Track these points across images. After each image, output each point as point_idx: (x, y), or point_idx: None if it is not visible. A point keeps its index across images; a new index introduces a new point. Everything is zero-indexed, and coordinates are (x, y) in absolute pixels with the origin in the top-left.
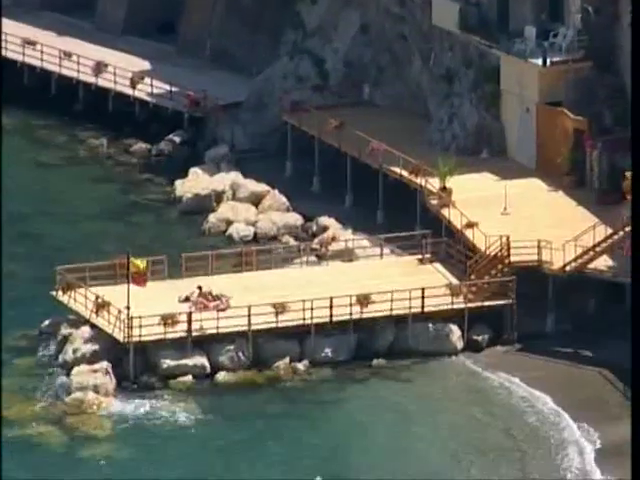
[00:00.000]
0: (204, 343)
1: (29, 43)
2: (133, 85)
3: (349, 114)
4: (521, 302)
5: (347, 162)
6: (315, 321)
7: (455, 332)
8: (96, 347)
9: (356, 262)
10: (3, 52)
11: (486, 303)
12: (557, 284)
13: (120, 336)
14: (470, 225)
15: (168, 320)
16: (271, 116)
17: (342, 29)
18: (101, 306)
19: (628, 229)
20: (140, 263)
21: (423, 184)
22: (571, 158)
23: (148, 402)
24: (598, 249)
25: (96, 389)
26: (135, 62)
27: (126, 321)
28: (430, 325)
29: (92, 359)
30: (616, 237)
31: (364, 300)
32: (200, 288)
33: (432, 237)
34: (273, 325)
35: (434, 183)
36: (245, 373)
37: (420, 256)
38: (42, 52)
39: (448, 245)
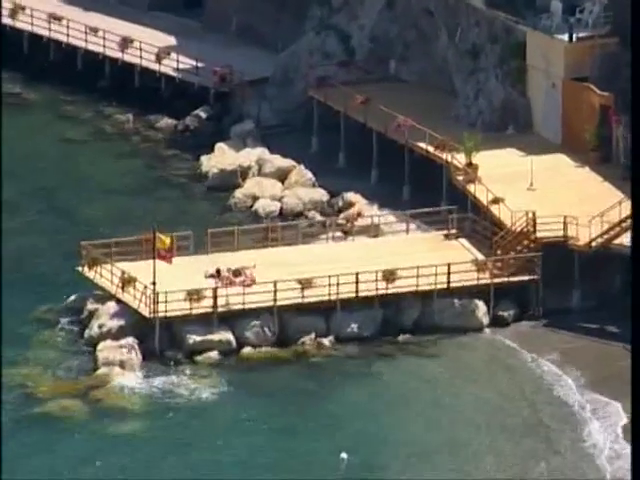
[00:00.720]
0: (230, 319)
1: (55, 18)
2: (159, 60)
3: (375, 90)
4: (547, 278)
5: (373, 138)
6: (341, 297)
7: (481, 308)
8: (122, 323)
9: (382, 238)
10: (29, 27)
11: (512, 279)
12: (583, 260)
13: (146, 312)
14: (496, 201)
15: (194, 295)
16: (297, 92)
17: (368, 5)
18: (127, 281)
19: None
20: (165, 239)
21: (449, 160)
22: (597, 134)
23: (174, 377)
24: (624, 225)
25: (122, 364)
26: (161, 37)
27: (152, 297)
28: (456, 301)
29: (118, 335)
30: None
31: (390, 276)
32: (219, 272)
33: (458, 213)
34: (299, 301)
35: (460, 159)
36: (271, 349)
37: (446, 232)
38: (68, 27)
39: (474, 221)
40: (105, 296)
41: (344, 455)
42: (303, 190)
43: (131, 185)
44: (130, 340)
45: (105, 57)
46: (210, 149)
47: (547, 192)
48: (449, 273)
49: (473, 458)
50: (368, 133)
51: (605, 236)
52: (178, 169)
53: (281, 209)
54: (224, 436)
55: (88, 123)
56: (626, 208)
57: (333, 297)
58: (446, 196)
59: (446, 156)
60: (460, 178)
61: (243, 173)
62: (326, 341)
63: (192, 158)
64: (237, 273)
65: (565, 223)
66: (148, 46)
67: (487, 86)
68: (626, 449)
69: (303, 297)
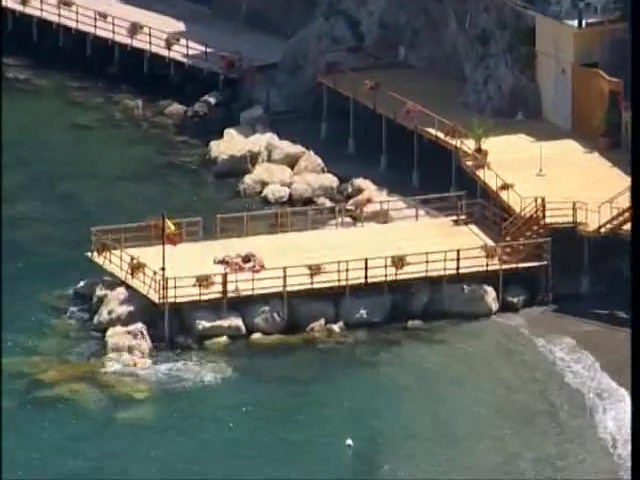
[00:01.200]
0: (239, 304)
1: (65, 4)
2: (168, 46)
3: (384, 76)
4: (556, 264)
5: (382, 123)
6: (350, 282)
7: (490, 294)
8: (131, 308)
9: (391, 223)
10: (39, 13)
11: (521, 265)
12: (592, 246)
13: (155, 297)
14: (505, 187)
15: (203, 281)
16: (306, 77)
17: None
18: (136, 267)
19: None
20: (171, 224)
21: (458, 146)
22: (606, 119)
23: (183, 363)
24: None
25: (131, 350)
26: (170, 23)
27: (161, 282)
28: (465, 286)
29: (127, 320)
30: None
31: (399, 261)
32: (226, 262)
33: (467, 199)
34: (308, 286)
35: (469, 144)
36: (280, 334)
37: (455, 218)
38: (77, 13)
39: (483, 207)
40: (114, 282)
41: (349, 442)
42: (312, 176)
43: (140, 171)
44: (139, 326)
45: (114, 43)
46: (219, 135)
47: (556, 178)
48: (458, 259)
49: (474, 446)
50: (377, 119)
51: (614, 222)
52: (187, 155)
53: (290, 195)
54: (233, 421)
55: (97, 109)
56: None
57: (342, 283)
58: (455, 182)
59: (455, 142)
60: (469, 164)
61: (252, 159)
62: (335, 327)
63: (201, 144)
64: (246, 259)
65: (574, 209)
66: (157, 32)
67: (496, 72)
68: None
69: (312, 283)
